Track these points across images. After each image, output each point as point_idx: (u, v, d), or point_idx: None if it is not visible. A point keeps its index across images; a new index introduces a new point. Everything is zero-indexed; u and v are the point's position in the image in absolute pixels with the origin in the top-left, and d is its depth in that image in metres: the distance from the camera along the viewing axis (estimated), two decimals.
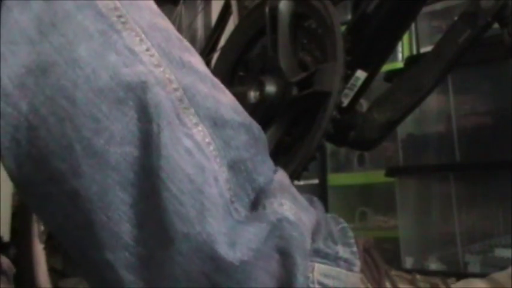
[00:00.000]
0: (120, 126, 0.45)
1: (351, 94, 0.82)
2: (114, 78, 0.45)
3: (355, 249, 0.54)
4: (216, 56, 1.03)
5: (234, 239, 0.46)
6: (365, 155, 1.83)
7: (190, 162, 0.46)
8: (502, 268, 1.38)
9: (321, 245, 0.52)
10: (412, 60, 1.38)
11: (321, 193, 1.96)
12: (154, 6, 0.53)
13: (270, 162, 0.54)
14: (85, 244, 0.47)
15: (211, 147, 0.48)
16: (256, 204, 0.50)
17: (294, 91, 0.78)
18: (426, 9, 1.49)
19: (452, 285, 0.58)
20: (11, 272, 0.70)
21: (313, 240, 0.52)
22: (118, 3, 0.48)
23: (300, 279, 0.48)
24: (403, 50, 1.72)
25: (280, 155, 0.80)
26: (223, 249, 0.46)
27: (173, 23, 1.47)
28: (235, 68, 0.91)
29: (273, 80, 0.80)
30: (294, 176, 0.76)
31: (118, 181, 0.45)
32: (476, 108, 1.47)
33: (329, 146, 1.79)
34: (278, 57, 0.81)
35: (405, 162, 1.59)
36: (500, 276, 0.60)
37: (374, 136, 0.84)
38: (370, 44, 0.83)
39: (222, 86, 0.52)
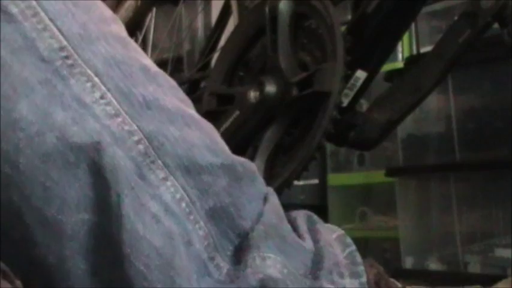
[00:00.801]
0: (73, 193, 0.40)
1: (351, 94, 0.82)
2: (61, 139, 0.40)
3: (364, 279, 0.49)
4: (216, 56, 1.03)
5: None
6: (365, 155, 1.83)
7: (157, 232, 0.41)
8: (502, 268, 1.39)
9: (324, 282, 0.47)
10: (412, 60, 1.38)
11: (321, 193, 1.96)
12: (112, 29, 0.45)
13: (256, 197, 0.48)
14: None
15: (183, 204, 0.43)
16: (240, 254, 0.46)
17: (294, 91, 0.78)
18: (426, 9, 1.49)
19: None
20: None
21: (316, 277, 0.47)
22: (64, 41, 0.41)
23: None
24: (403, 50, 1.72)
25: (280, 155, 0.81)
26: None
27: (173, 23, 1.47)
28: (235, 68, 0.91)
29: (273, 80, 0.80)
30: (294, 176, 0.76)
31: (77, 250, 0.41)
32: (476, 108, 1.47)
33: (329, 146, 1.79)
34: (278, 57, 0.81)
35: (405, 162, 1.59)
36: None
37: (374, 136, 0.84)
38: (370, 44, 0.83)
39: (196, 120, 0.46)
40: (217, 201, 0.45)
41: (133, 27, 1.24)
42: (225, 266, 0.45)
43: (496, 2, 0.74)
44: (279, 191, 0.78)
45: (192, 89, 1.15)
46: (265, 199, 0.49)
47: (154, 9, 1.35)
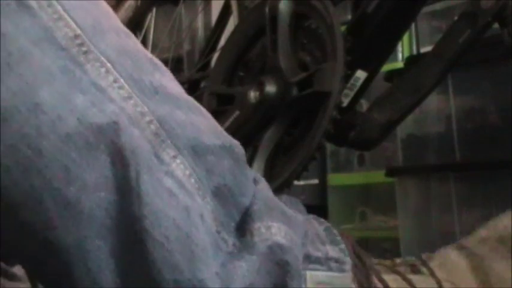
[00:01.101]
0: (93, 173, 0.42)
1: (351, 94, 0.82)
2: (82, 121, 0.42)
3: (343, 246, 0.54)
4: (216, 56, 1.03)
5: (227, 279, 0.45)
6: (365, 155, 1.83)
7: (174, 205, 0.44)
8: None
9: (310, 249, 0.51)
10: (412, 60, 1.38)
11: (321, 193, 1.96)
12: (119, 24, 0.48)
13: (250, 178, 0.51)
14: None
15: (193, 180, 0.46)
16: (243, 228, 0.49)
17: (294, 91, 0.78)
18: (426, 9, 1.49)
19: (430, 264, 0.58)
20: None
21: (303, 244, 0.51)
22: (78, 30, 0.43)
23: None
24: (403, 50, 1.72)
25: (280, 155, 0.81)
26: None
27: (173, 23, 1.47)
28: (235, 68, 0.91)
29: (273, 80, 0.80)
30: (294, 176, 0.76)
31: (95, 230, 0.42)
32: (476, 108, 1.47)
33: (329, 146, 1.79)
34: (278, 57, 0.81)
35: (405, 162, 1.59)
36: (469, 241, 0.60)
37: (374, 136, 0.84)
38: (370, 44, 0.83)
39: (197, 105, 0.50)
40: (221, 180, 0.48)
41: (133, 27, 1.24)
42: (229, 239, 0.48)
43: (496, 2, 0.74)
44: (279, 191, 0.78)
45: (192, 89, 1.15)
46: (255, 180, 0.52)
47: (154, 9, 1.35)
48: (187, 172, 0.46)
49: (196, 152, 0.47)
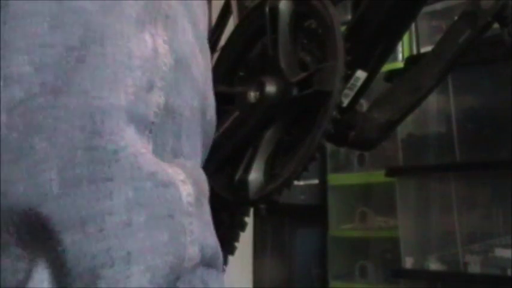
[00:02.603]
0: None
1: (351, 94, 0.82)
2: None
3: None
4: (216, 56, 1.03)
5: None
6: (365, 155, 1.83)
7: None
8: (502, 268, 1.39)
9: None
10: (412, 60, 1.38)
11: (321, 193, 1.96)
12: None
13: None
14: None
15: None
16: None
17: (294, 91, 0.78)
18: (426, 9, 1.49)
19: None
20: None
21: None
22: None
23: None
24: (403, 50, 1.72)
25: (280, 155, 0.81)
26: None
27: None
28: (235, 68, 0.91)
29: (273, 80, 0.80)
30: (294, 176, 0.76)
31: None
32: (476, 108, 1.47)
33: (329, 146, 1.79)
34: (278, 57, 0.81)
35: (405, 162, 1.59)
36: None
37: (374, 136, 0.84)
38: (370, 44, 0.83)
39: None
40: None
41: None
42: None
43: (496, 2, 0.74)
44: (279, 191, 0.78)
45: None
46: None
47: None
48: None
49: None
